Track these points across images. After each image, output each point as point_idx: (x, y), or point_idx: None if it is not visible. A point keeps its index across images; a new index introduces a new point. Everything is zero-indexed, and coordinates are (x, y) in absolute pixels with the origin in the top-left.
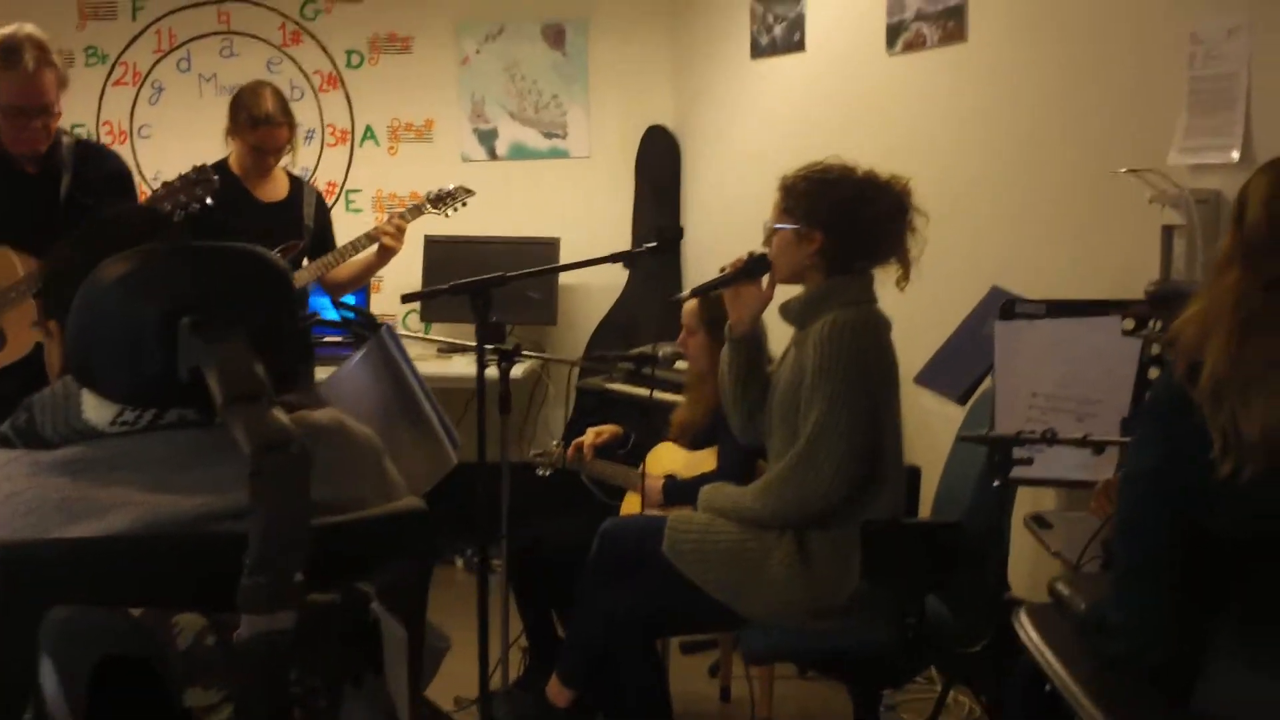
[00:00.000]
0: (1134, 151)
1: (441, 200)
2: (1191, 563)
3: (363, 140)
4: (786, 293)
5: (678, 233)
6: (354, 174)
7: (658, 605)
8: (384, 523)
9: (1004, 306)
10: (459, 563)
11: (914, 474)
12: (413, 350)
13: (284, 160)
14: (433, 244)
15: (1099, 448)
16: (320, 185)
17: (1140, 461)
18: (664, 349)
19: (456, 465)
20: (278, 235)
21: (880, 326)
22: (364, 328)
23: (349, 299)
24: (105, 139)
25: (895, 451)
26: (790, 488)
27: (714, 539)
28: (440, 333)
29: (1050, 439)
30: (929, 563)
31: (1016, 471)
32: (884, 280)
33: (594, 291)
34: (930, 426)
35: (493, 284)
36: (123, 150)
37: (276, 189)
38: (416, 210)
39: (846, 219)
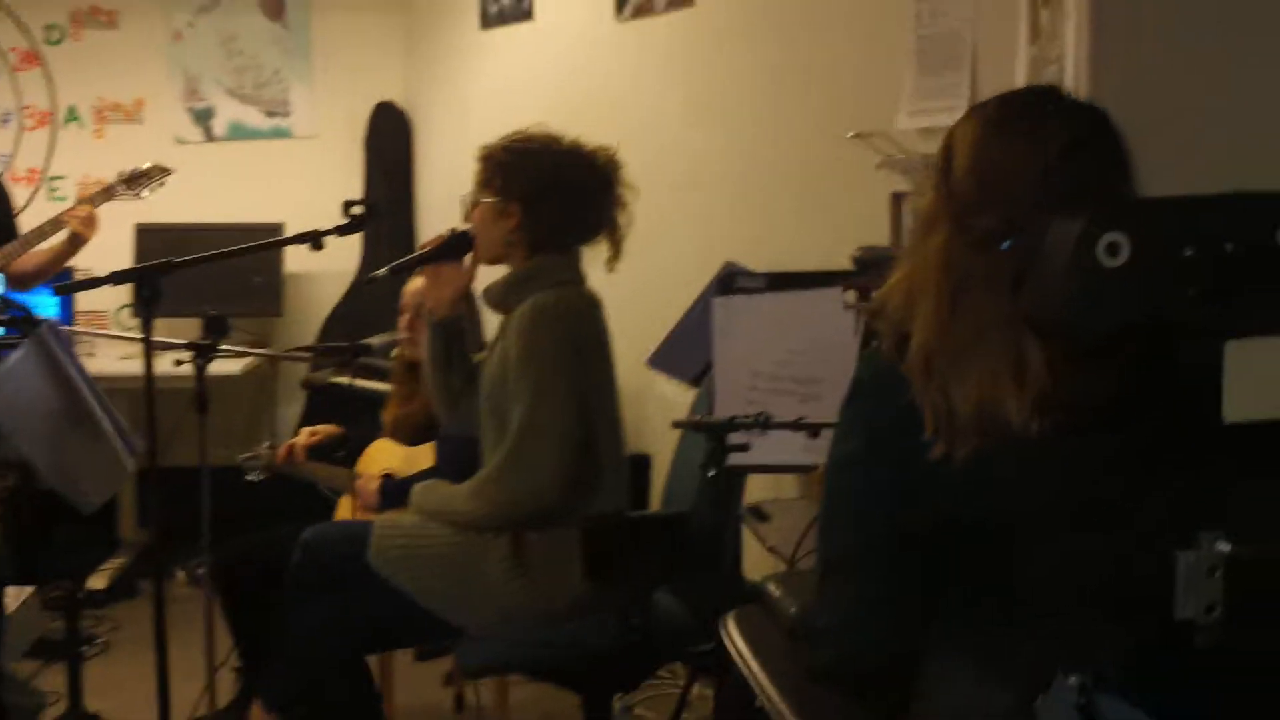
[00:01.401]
0: (863, 115)
1: (135, 180)
2: (903, 560)
3: (66, 122)
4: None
5: (366, 209)
6: (57, 159)
7: (365, 618)
8: None
9: (723, 280)
10: (180, 575)
11: (644, 462)
12: (124, 350)
13: None
14: (145, 232)
15: (815, 431)
16: (19, 172)
17: (843, 447)
18: (378, 339)
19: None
20: None
21: (585, 306)
22: (24, 324)
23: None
24: None
25: (612, 441)
26: (502, 488)
27: (424, 543)
28: (160, 331)
29: (764, 423)
30: (653, 559)
31: (734, 458)
32: (595, 260)
33: (323, 280)
34: (665, 413)
35: (157, 270)
36: None
37: None
38: (107, 192)
39: (545, 192)
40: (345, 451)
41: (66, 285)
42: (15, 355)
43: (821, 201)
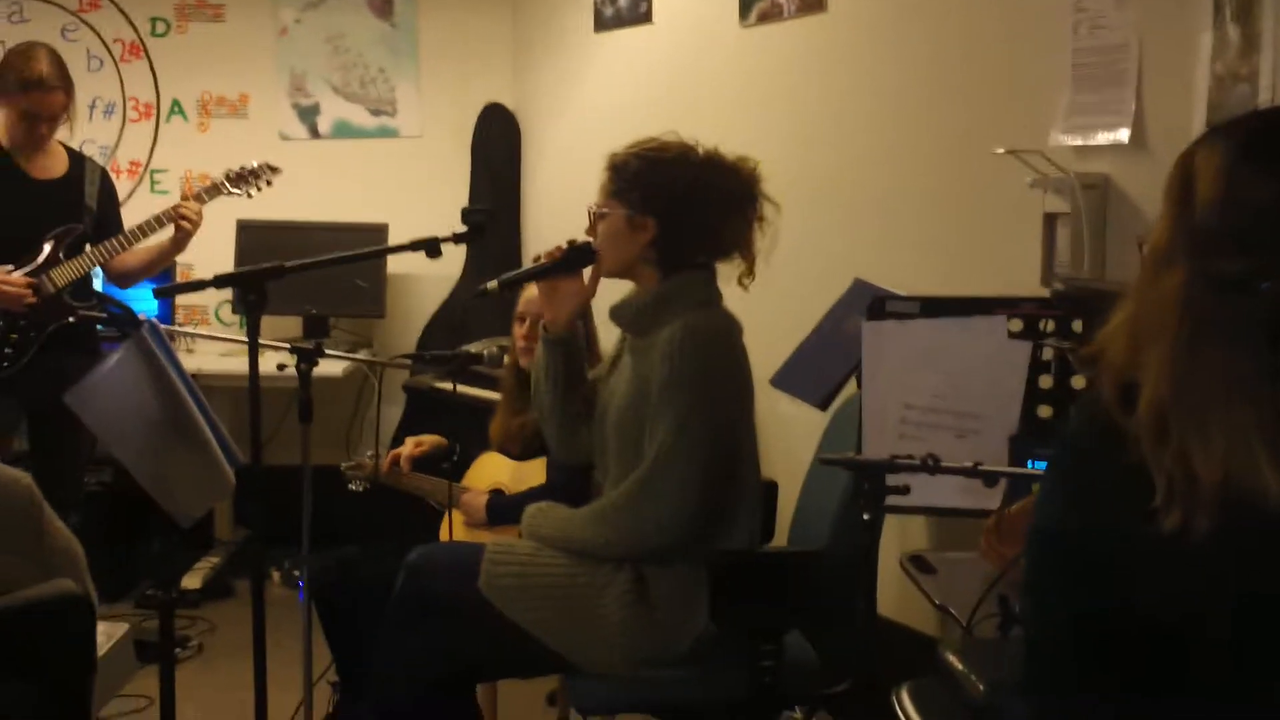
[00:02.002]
0: (1012, 131)
1: (243, 179)
2: (1124, 650)
3: (170, 115)
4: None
5: (486, 217)
6: (160, 152)
7: (473, 648)
8: (26, 614)
9: (872, 304)
10: (275, 576)
11: (771, 490)
12: (224, 346)
13: (60, 133)
14: (246, 229)
15: (993, 479)
16: (122, 164)
17: (1051, 513)
18: (489, 347)
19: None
20: (55, 217)
21: (734, 331)
22: (125, 323)
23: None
24: None
25: (752, 473)
26: (628, 517)
27: (538, 572)
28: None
29: (932, 466)
30: (786, 599)
31: (891, 500)
32: (727, 275)
33: (426, 282)
34: (789, 435)
35: (267, 276)
36: None
37: (53, 165)
38: (214, 189)
39: (686, 205)
40: (451, 463)
41: (169, 288)
42: (114, 358)
43: (962, 219)
